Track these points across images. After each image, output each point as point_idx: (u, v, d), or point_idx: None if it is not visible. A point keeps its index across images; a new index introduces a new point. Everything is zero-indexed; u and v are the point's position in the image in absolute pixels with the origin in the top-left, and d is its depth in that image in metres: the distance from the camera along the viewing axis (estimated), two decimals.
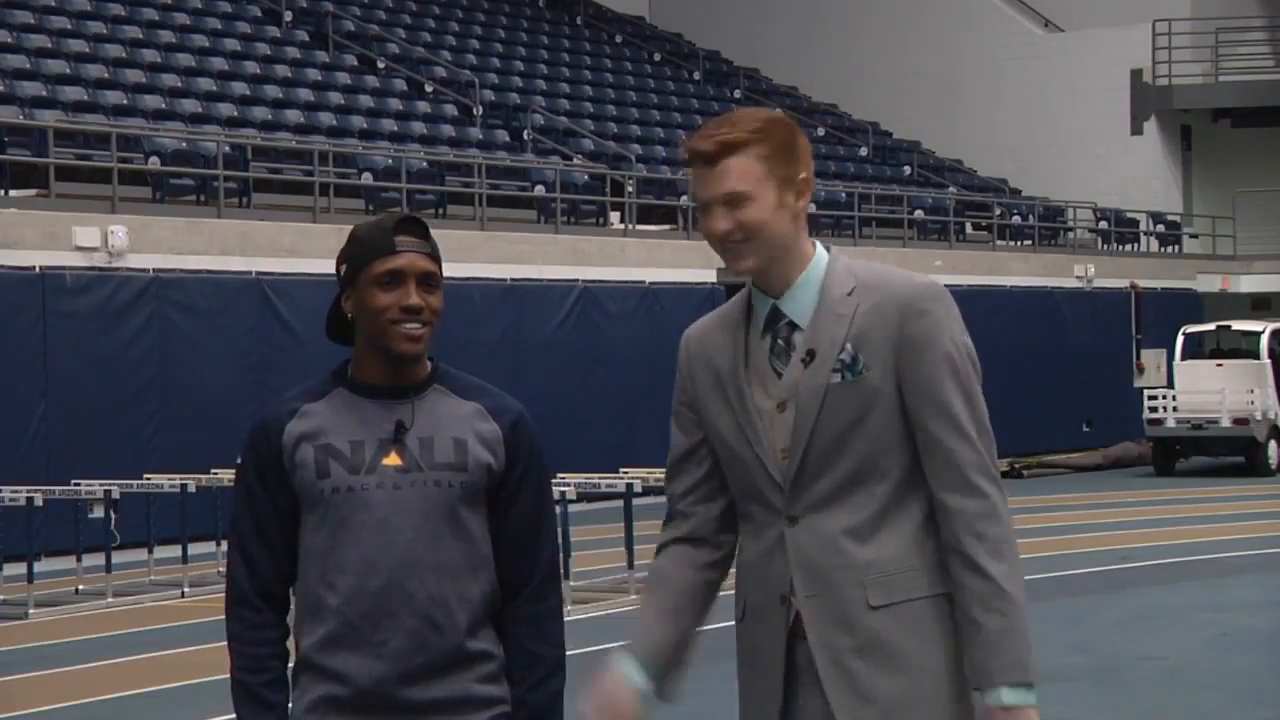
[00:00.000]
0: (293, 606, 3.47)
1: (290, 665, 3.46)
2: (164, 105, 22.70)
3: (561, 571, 3.55)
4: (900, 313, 3.25)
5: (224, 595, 3.51)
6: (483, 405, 3.43)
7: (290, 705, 3.43)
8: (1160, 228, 34.73)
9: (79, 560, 15.06)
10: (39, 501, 14.43)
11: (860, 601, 3.24)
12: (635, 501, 14.53)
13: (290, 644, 3.47)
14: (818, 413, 3.26)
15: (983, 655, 3.18)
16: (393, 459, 3.36)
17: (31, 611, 13.93)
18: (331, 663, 3.34)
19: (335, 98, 25.84)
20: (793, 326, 3.31)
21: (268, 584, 3.44)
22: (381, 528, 3.33)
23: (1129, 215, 34.16)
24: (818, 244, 3.37)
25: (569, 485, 14.14)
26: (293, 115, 24.32)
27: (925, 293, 3.27)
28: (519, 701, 3.40)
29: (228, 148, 20.83)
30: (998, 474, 3.29)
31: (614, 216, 25.27)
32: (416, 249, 3.36)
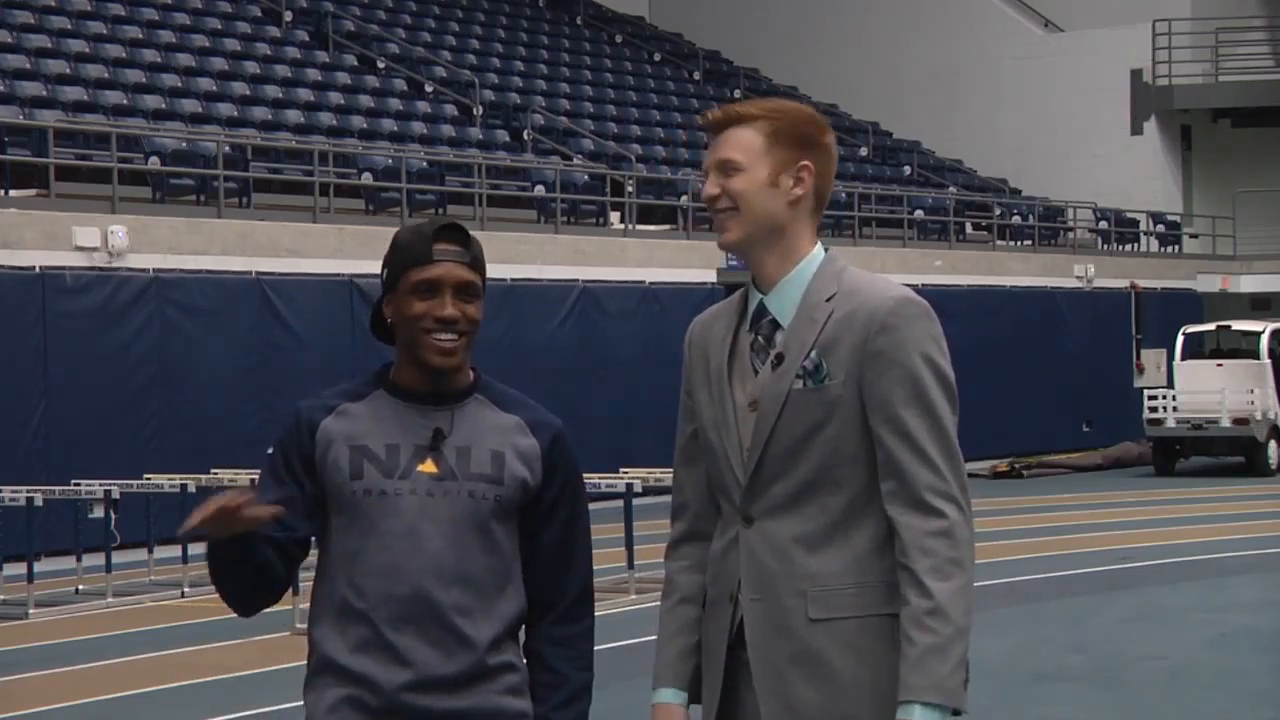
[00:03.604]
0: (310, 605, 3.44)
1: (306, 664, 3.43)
2: (164, 105, 22.70)
3: (594, 594, 3.50)
4: (867, 325, 3.21)
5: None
6: (523, 419, 3.41)
7: (307, 707, 3.39)
8: (1160, 228, 34.74)
9: (79, 560, 15.06)
10: (39, 501, 14.42)
11: (799, 612, 3.23)
12: (635, 501, 14.55)
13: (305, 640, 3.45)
14: (777, 417, 3.24)
15: (906, 670, 3.13)
16: (428, 466, 3.33)
17: (31, 611, 13.92)
18: (356, 666, 3.30)
19: (335, 98, 25.84)
20: (775, 325, 3.30)
21: None
22: (410, 534, 3.30)
23: (1129, 215, 34.16)
24: (819, 245, 3.34)
25: None
26: (293, 115, 24.32)
27: (896, 308, 3.21)
28: (542, 718, 3.36)
29: (228, 148, 20.83)
30: (962, 496, 3.21)
31: (614, 216, 25.27)
32: (455, 258, 3.33)
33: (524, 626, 3.43)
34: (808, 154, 3.30)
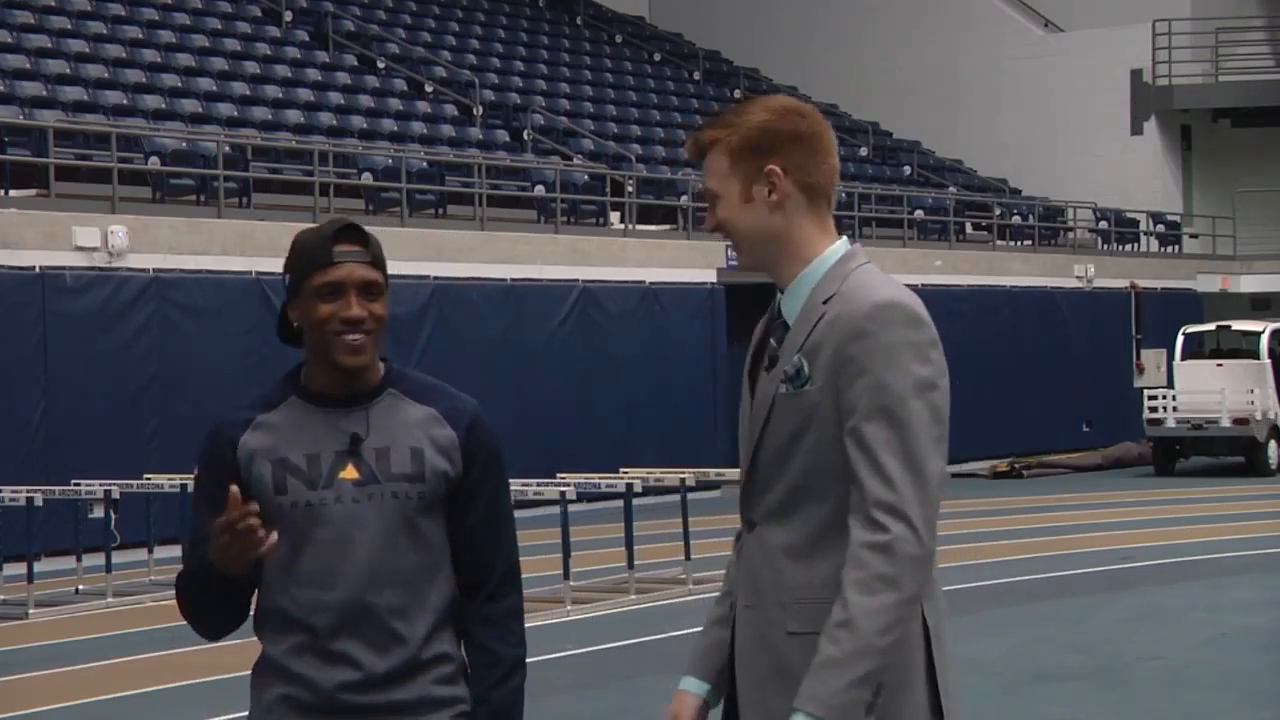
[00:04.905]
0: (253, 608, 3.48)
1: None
2: (164, 105, 22.70)
3: (520, 571, 3.55)
4: (846, 330, 3.11)
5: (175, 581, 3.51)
6: (437, 410, 3.41)
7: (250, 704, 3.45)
8: (1160, 228, 34.75)
9: (79, 560, 15.08)
10: (39, 501, 14.44)
11: (780, 624, 3.19)
12: (635, 501, 14.53)
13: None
14: (765, 422, 3.20)
15: (805, 677, 3.06)
16: (350, 472, 3.35)
17: (31, 611, 13.93)
18: (295, 667, 3.36)
19: (335, 98, 25.84)
20: (785, 327, 3.25)
21: None
22: (339, 542, 3.33)
23: (1129, 215, 34.17)
24: (840, 241, 3.26)
25: (569, 485, 14.13)
26: (293, 115, 24.32)
27: (873, 313, 3.10)
28: (479, 699, 3.41)
29: (228, 148, 20.83)
30: (916, 511, 3.05)
31: (614, 216, 25.26)
32: (355, 258, 3.33)
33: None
34: (772, 156, 3.20)
